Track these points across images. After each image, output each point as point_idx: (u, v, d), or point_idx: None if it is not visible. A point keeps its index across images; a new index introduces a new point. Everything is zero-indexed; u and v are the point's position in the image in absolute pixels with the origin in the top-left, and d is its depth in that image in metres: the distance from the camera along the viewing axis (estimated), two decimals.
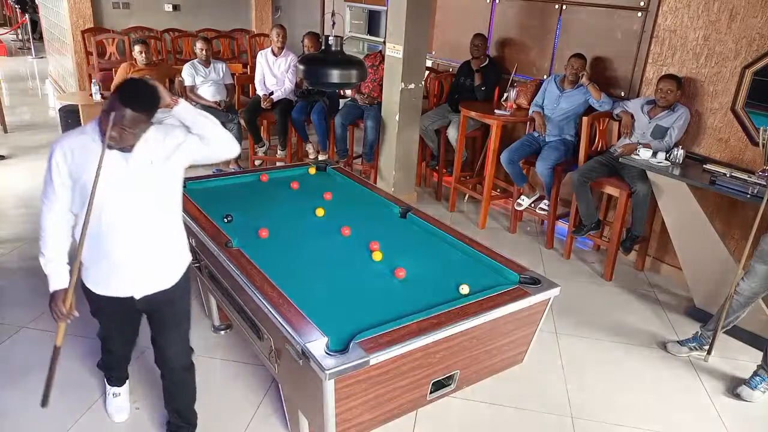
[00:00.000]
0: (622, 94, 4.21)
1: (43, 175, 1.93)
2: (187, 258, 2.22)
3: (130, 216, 1.95)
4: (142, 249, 2.02)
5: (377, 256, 2.57)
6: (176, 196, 2.09)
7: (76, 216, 1.96)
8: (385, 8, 6.20)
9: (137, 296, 2.08)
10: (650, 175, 3.53)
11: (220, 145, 2.08)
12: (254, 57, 6.09)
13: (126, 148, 1.90)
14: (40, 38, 10.40)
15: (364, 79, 3.16)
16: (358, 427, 2.03)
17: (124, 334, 2.34)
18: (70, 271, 1.95)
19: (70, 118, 5.58)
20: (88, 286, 2.09)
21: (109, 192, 1.88)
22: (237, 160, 5.51)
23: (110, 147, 1.84)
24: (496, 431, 2.60)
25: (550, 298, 2.39)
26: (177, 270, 2.17)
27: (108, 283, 2.06)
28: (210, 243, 2.54)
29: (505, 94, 4.75)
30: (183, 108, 2.03)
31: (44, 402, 1.87)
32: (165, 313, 2.18)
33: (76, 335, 2.95)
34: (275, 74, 5.61)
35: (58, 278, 1.95)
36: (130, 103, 1.80)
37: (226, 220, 2.81)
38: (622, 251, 4.00)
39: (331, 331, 1.94)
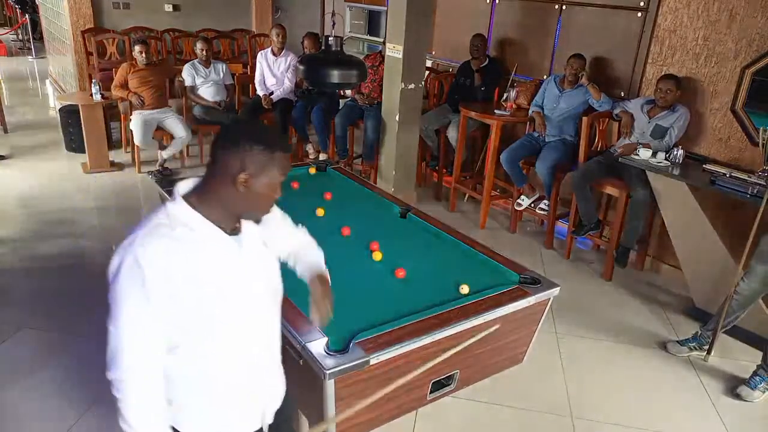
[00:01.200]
0: (622, 94, 4.21)
1: (114, 293, 1.22)
2: None
3: (255, 319, 1.41)
4: (269, 357, 1.51)
5: (377, 256, 2.57)
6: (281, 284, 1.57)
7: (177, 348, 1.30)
8: (385, 8, 6.20)
9: (269, 421, 1.53)
10: (650, 175, 3.53)
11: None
12: (254, 57, 6.10)
13: (237, 228, 1.37)
14: (41, 38, 10.39)
15: (364, 79, 3.16)
16: (358, 427, 2.03)
17: None
18: None
19: (70, 118, 5.59)
20: None
21: (233, 295, 1.33)
22: None
23: (258, 221, 1.38)
24: (496, 431, 2.60)
25: (550, 298, 2.39)
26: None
27: (231, 417, 1.44)
28: None
29: (505, 94, 4.75)
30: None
31: None
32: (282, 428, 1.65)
33: (76, 334, 2.96)
34: (275, 74, 5.61)
35: None
36: (287, 147, 1.33)
37: None
38: (618, 266, 3.95)
39: (330, 331, 1.93)
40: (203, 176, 1.32)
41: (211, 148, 1.32)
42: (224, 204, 1.29)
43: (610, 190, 3.94)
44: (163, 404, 1.30)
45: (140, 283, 1.18)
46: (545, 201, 4.42)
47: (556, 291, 2.37)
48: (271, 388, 1.52)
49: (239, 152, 1.25)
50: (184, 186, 1.33)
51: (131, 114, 5.21)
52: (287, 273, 2.39)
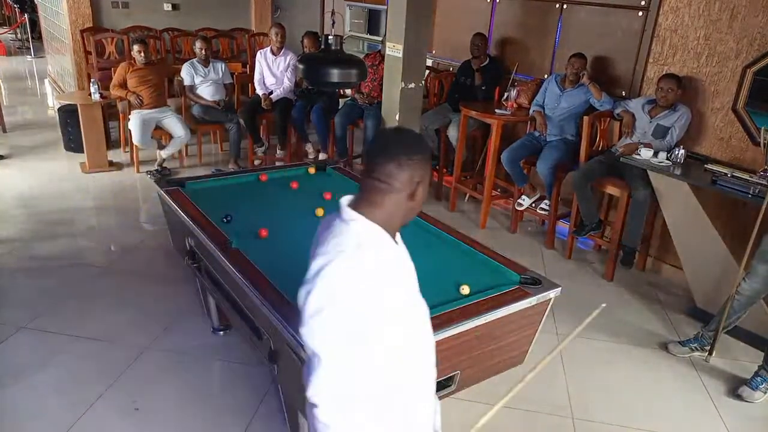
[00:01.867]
0: (623, 93, 4.20)
1: (314, 313, 1.19)
2: None
3: (427, 336, 1.41)
4: (433, 380, 1.47)
5: None
6: None
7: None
8: (385, 7, 6.19)
9: None
10: (651, 175, 3.52)
11: None
12: (253, 56, 6.08)
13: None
14: (39, 38, 10.37)
15: (364, 78, 3.15)
16: None
17: None
18: None
19: (69, 117, 5.57)
20: None
21: (414, 312, 1.34)
22: (237, 160, 5.51)
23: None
24: (496, 431, 2.59)
25: (550, 299, 2.38)
26: None
27: None
28: (209, 243, 2.53)
29: (506, 94, 4.74)
30: None
31: None
32: None
33: (76, 334, 2.95)
34: (274, 73, 5.60)
35: None
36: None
37: (225, 220, 2.80)
38: (625, 267, 3.95)
39: None
40: (363, 192, 1.30)
41: (369, 162, 1.30)
42: (392, 215, 1.29)
43: (611, 189, 3.93)
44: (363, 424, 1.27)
45: (343, 304, 1.16)
46: (546, 201, 4.41)
47: (556, 291, 2.37)
48: (432, 417, 1.48)
49: (409, 163, 1.25)
50: (347, 200, 1.32)
51: (130, 113, 5.20)
52: (282, 262, 2.37)
